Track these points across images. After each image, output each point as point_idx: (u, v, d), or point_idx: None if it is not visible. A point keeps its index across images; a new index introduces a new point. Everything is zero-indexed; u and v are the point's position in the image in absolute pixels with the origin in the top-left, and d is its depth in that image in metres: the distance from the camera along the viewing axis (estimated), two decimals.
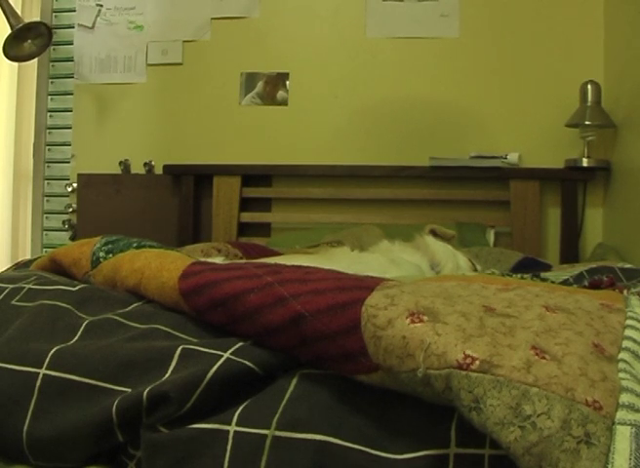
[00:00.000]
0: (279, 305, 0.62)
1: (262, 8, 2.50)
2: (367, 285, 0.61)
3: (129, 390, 0.64)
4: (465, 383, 0.48)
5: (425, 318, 0.53)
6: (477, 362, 0.48)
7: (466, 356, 0.49)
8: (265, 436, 0.57)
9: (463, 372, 0.48)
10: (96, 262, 0.90)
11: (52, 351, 0.67)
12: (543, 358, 0.48)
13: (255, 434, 0.58)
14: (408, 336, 0.52)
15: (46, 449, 0.64)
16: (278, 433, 0.57)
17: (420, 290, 0.60)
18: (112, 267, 0.87)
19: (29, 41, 2.33)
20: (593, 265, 1.51)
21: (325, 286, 0.62)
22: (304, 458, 0.56)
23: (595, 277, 1.28)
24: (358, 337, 0.56)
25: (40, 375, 0.65)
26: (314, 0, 2.51)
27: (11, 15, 2.26)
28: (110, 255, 0.89)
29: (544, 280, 1.26)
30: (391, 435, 0.57)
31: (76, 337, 0.72)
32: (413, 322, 0.53)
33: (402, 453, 0.55)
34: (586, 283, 1.26)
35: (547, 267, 1.77)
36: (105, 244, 0.92)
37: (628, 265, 1.54)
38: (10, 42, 2.26)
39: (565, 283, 1.31)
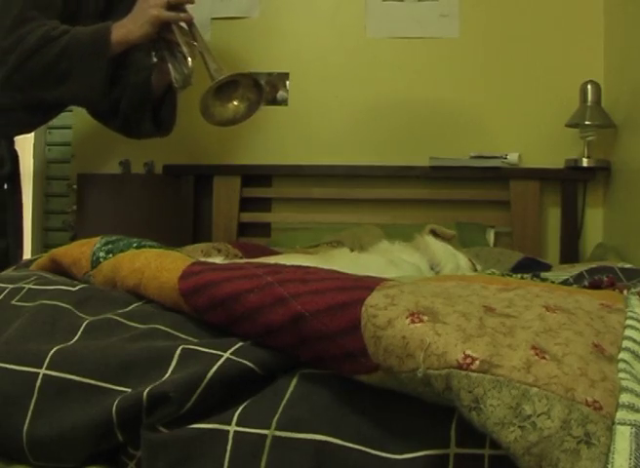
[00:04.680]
0: (279, 305, 0.62)
1: (262, 8, 2.50)
2: (367, 285, 0.61)
3: (129, 390, 0.64)
4: (465, 383, 0.48)
5: (425, 318, 0.53)
6: (477, 362, 0.48)
7: (466, 356, 0.49)
8: (265, 436, 0.57)
9: (463, 372, 0.48)
10: (96, 262, 0.90)
11: (52, 351, 0.68)
12: (543, 358, 0.49)
13: (255, 434, 0.58)
14: (408, 336, 0.52)
15: (46, 450, 0.64)
16: (278, 433, 0.57)
17: (420, 290, 0.60)
18: (112, 267, 0.87)
19: (235, 102, 1.73)
20: (593, 265, 1.51)
21: (325, 286, 0.62)
22: (304, 458, 0.56)
23: (595, 277, 1.28)
24: (358, 337, 0.56)
25: (40, 375, 0.66)
26: (314, 0, 2.51)
27: (214, 69, 1.67)
28: (110, 255, 0.89)
29: (544, 280, 1.26)
30: (391, 435, 0.57)
31: (76, 337, 0.72)
32: (413, 322, 0.53)
33: (402, 453, 0.55)
34: (586, 283, 1.26)
35: (547, 267, 1.77)
36: (105, 244, 0.92)
37: (628, 265, 1.54)
38: (211, 102, 1.69)
39: (565, 283, 1.31)
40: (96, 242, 0.94)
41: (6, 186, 1.90)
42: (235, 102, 1.76)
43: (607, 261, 1.70)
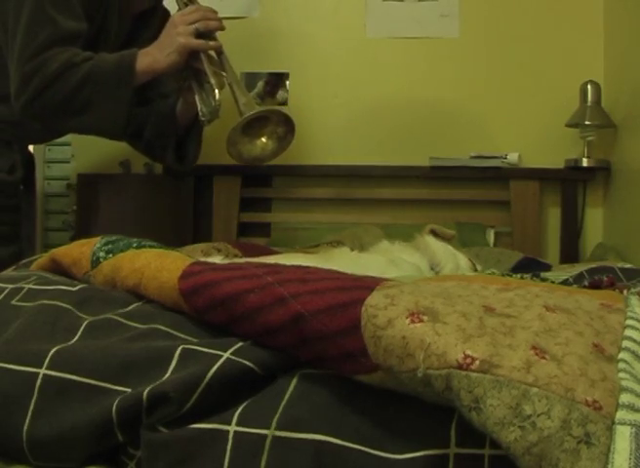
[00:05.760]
0: (279, 305, 0.62)
1: (262, 8, 2.50)
2: (367, 285, 0.61)
3: (129, 390, 0.64)
4: (465, 383, 0.48)
5: (425, 318, 0.53)
6: (477, 362, 0.48)
7: (466, 356, 0.49)
8: (265, 436, 0.57)
9: (463, 372, 0.48)
10: (96, 262, 0.90)
11: (52, 351, 0.68)
12: (543, 358, 0.49)
13: (254, 434, 0.58)
14: (408, 336, 0.52)
15: (46, 450, 0.64)
16: (278, 433, 0.57)
17: (420, 290, 0.60)
18: (112, 267, 0.87)
19: (263, 138, 1.62)
20: (593, 265, 1.51)
21: (325, 286, 0.62)
22: (304, 458, 0.56)
23: (595, 277, 1.29)
24: (358, 337, 0.56)
25: (40, 375, 0.65)
26: (314, 0, 2.51)
27: (243, 103, 1.58)
28: (110, 256, 0.89)
29: (544, 280, 1.26)
30: (391, 435, 0.57)
31: (76, 337, 0.72)
32: (413, 322, 0.53)
33: (402, 453, 0.55)
34: (586, 283, 1.26)
35: (547, 267, 1.77)
36: (105, 244, 0.92)
37: (628, 265, 1.54)
38: (239, 138, 1.59)
39: (565, 283, 1.31)
40: (96, 242, 0.94)
41: (22, 187, 1.88)
42: (264, 139, 1.66)
43: (607, 261, 1.70)
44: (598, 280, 1.23)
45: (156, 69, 1.64)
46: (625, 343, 0.55)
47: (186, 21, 1.63)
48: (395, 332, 0.53)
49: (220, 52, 1.68)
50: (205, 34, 1.65)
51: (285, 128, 1.65)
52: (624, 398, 0.46)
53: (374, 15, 2.47)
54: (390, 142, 2.44)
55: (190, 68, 1.67)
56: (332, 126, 2.46)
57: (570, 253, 2.29)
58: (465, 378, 0.48)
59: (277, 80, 2.49)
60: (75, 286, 0.86)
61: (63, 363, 0.66)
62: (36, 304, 0.79)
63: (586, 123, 2.20)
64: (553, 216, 2.37)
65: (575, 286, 1.23)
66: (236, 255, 1.66)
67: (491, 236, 2.32)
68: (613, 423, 0.45)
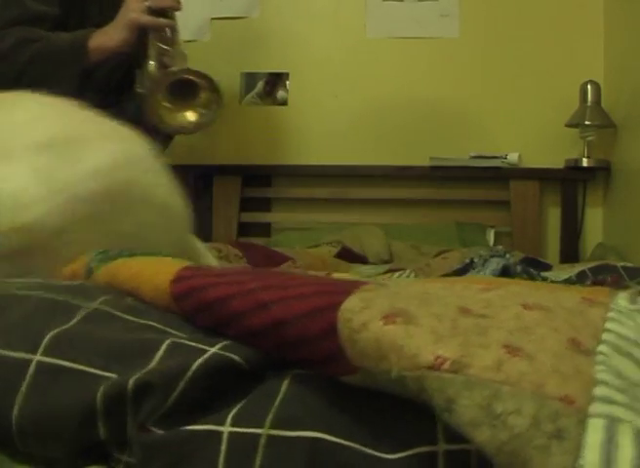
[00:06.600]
0: (260, 310, 0.63)
1: (262, 8, 2.51)
2: (345, 289, 0.62)
3: (114, 376, 0.64)
4: (437, 384, 0.48)
5: (399, 320, 0.53)
6: (448, 362, 0.48)
7: (437, 357, 0.49)
8: (259, 435, 0.58)
9: (435, 374, 0.48)
10: (89, 272, 0.91)
11: (45, 338, 0.68)
12: (516, 356, 0.49)
13: (249, 434, 0.58)
14: (381, 339, 0.52)
15: (31, 436, 0.64)
16: (272, 431, 0.58)
17: (397, 293, 0.61)
18: (107, 275, 0.88)
19: (192, 110, 1.67)
20: (595, 264, 1.51)
21: (305, 291, 0.62)
22: (298, 455, 0.57)
23: (599, 277, 1.28)
24: (337, 340, 0.57)
25: (33, 362, 0.66)
26: (314, 0, 2.51)
27: (173, 71, 1.64)
28: (103, 264, 0.90)
29: (545, 279, 1.25)
30: (383, 433, 0.57)
31: (70, 324, 0.72)
32: (386, 324, 0.53)
33: (393, 453, 0.56)
34: (589, 282, 1.26)
35: (548, 267, 1.77)
36: (97, 255, 0.93)
37: (629, 265, 1.54)
38: (166, 107, 1.64)
39: (567, 281, 1.30)
40: (88, 257, 0.95)
41: None
42: (194, 110, 1.70)
43: (608, 260, 1.70)
44: (602, 280, 1.23)
45: (109, 46, 1.67)
46: (605, 336, 0.54)
47: None
48: (369, 335, 0.53)
49: (173, 30, 1.72)
50: (159, 12, 1.69)
51: (211, 97, 1.70)
52: (599, 391, 0.46)
53: (374, 15, 2.47)
54: (390, 142, 2.45)
55: (143, 48, 1.72)
56: (332, 126, 2.47)
57: (570, 253, 2.29)
58: (437, 379, 0.48)
59: (277, 80, 2.50)
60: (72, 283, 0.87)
61: (55, 349, 0.67)
62: (34, 293, 0.80)
63: (586, 123, 2.21)
64: (553, 216, 2.37)
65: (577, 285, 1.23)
66: (236, 255, 1.67)
67: (491, 236, 2.33)
68: (585, 416, 0.45)
